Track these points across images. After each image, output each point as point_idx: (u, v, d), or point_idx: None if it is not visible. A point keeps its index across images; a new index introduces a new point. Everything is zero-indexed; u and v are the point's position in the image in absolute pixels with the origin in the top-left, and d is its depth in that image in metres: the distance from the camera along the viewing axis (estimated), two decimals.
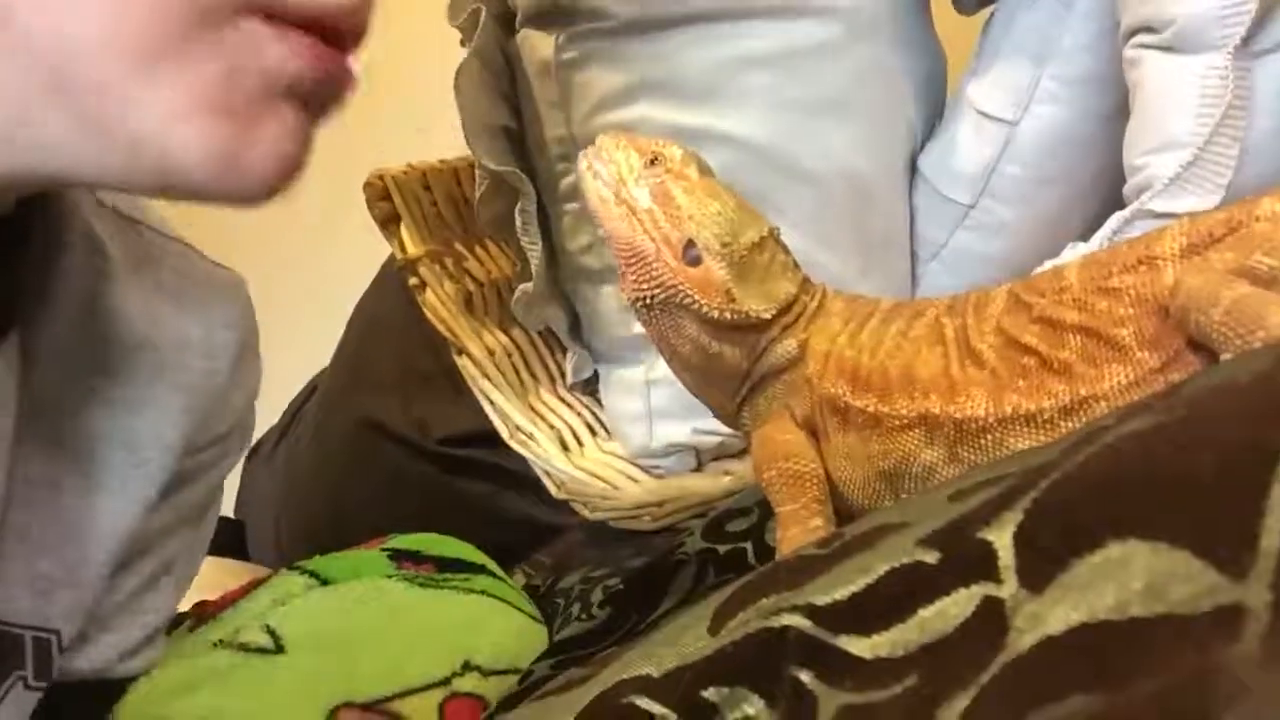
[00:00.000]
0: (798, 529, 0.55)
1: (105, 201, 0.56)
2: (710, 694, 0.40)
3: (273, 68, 0.39)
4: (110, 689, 0.60)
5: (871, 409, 0.54)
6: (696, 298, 0.55)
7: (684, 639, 0.43)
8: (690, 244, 0.55)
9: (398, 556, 0.81)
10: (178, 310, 0.58)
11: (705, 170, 0.58)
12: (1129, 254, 0.51)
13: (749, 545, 0.74)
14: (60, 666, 0.56)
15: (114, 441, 0.55)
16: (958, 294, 0.57)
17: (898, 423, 0.54)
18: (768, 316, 0.57)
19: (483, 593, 0.77)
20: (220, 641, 0.67)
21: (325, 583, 0.76)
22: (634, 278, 0.57)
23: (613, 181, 0.57)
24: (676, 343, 0.58)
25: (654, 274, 0.56)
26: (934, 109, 0.98)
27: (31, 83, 0.38)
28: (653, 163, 0.57)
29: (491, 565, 0.84)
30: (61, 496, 0.53)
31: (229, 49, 0.38)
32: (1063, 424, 0.50)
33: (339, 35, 0.41)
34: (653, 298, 0.56)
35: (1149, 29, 0.76)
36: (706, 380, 0.61)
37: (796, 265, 0.60)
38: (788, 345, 0.58)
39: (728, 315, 0.56)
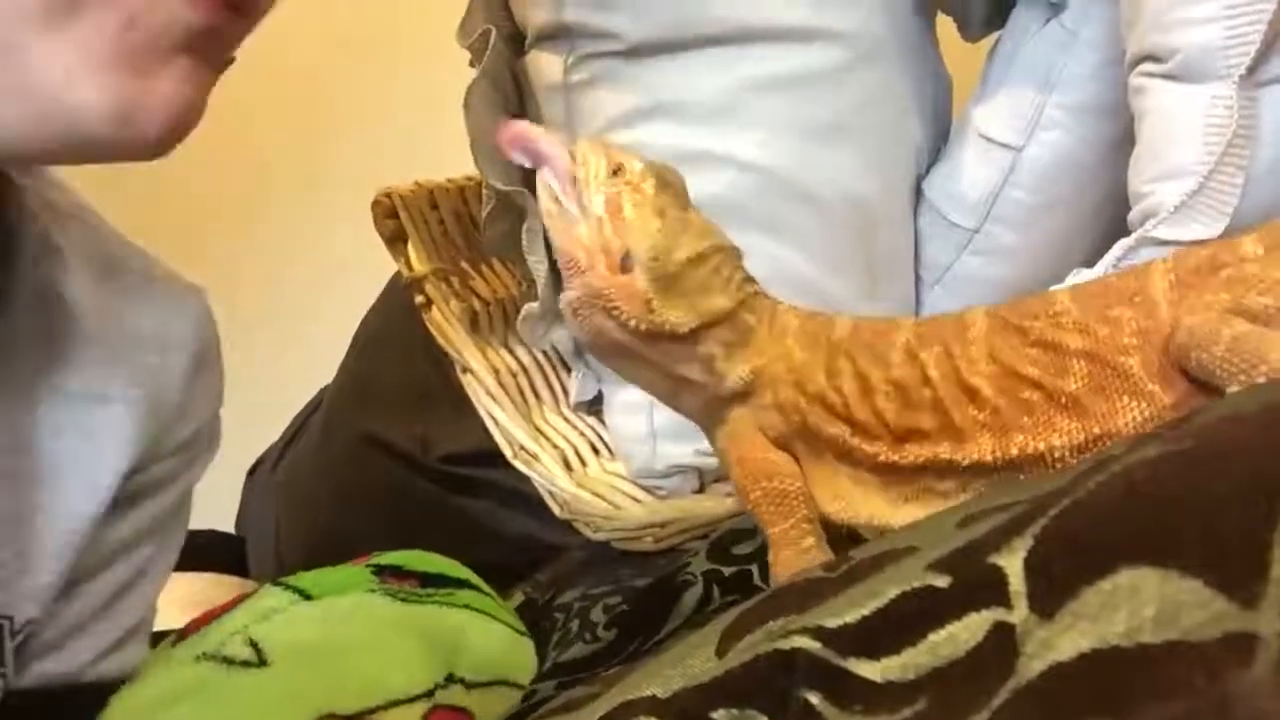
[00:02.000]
0: (790, 550, 0.55)
1: (56, 201, 0.57)
2: (718, 715, 0.40)
3: (169, 20, 0.40)
4: (90, 697, 0.60)
5: (884, 457, 0.54)
6: (618, 304, 0.56)
7: (691, 660, 0.43)
8: (626, 254, 0.56)
9: (381, 572, 0.81)
10: (132, 306, 0.59)
11: (666, 185, 0.59)
12: (1121, 286, 0.51)
13: (754, 567, 0.74)
14: (34, 670, 0.56)
15: (69, 432, 0.55)
16: (923, 318, 0.57)
17: (910, 467, 0.54)
18: (683, 330, 0.57)
19: (466, 607, 0.77)
20: (203, 655, 0.67)
21: (308, 597, 0.76)
22: (568, 279, 0.58)
23: (580, 184, 0.58)
24: (599, 346, 0.59)
25: (585, 279, 0.57)
26: (939, 134, 0.98)
27: None
28: (615, 173, 0.58)
29: (475, 580, 0.84)
30: (18, 486, 0.54)
31: (125, 3, 0.39)
32: (1074, 462, 0.49)
33: (241, 2, 0.41)
34: (580, 299, 0.57)
35: (1154, 58, 0.77)
36: (652, 383, 0.62)
37: (746, 282, 0.60)
38: (740, 370, 0.58)
39: (642, 325, 0.56)
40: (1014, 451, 0.51)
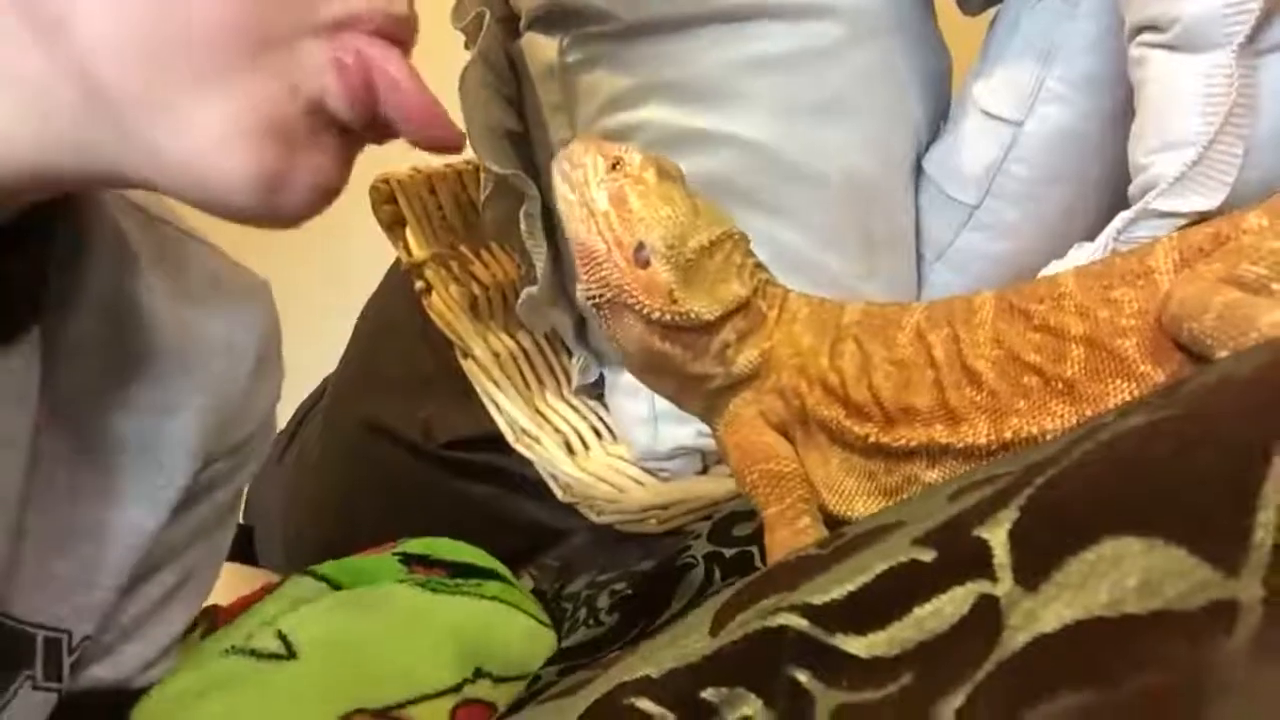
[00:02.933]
0: (786, 530, 0.55)
1: (133, 200, 0.56)
2: (709, 695, 0.40)
3: (321, 95, 0.39)
4: (126, 697, 0.61)
5: (874, 439, 0.54)
6: (640, 298, 0.56)
7: (685, 640, 0.43)
8: (641, 246, 0.56)
9: (409, 560, 0.81)
10: (202, 311, 0.58)
11: (666, 174, 0.59)
12: (1124, 266, 0.51)
13: (755, 549, 0.74)
14: (85, 675, 0.56)
15: (134, 444, 0.55)
16: (935, 301, 0.57)
17: (900, 450, 0.54)
18: (709, 318, 0.57)
19: (494, 598, 0.77)
20: (232, 648, 0.67)
21: (337, 587, 0.76)
22: (586, 278, 0.58)
23: (577, 184, 0.58)
24: (625, 342, 0.59)
25: (604, 274, 0.57)
26: (939, 109, 0.98)
27: (80, 90, 0.37)
28: (614, 167, 0.58)
29: (502, 570, 0.84)
30: (79, 499, 0.53)
31: (287, 73, 0.38)
32: None
33: (398, 42, 0.41)
34: (602, 297, 0.57)
35: (1153, 28, 0.76)
36: (660, 381, 0.62)
37: (758, 269, 0.60)
38: (749, 355, 0.58)
39: (669, 316, 0.56)
40: (1008, 435, 0.51)
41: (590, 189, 0.58)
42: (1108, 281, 0.51)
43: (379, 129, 0.42)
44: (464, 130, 0.44)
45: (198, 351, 0.57)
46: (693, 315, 0.56)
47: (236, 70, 0.37)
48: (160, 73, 0.37)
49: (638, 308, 0.56)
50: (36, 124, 0.38)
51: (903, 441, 0.54)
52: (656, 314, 0.56)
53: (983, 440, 0.51)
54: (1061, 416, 0.50)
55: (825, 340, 0.57)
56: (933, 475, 0.53)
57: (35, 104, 0.38)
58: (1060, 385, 0.50)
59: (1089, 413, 0.49)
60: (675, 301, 0.56)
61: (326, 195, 0.41)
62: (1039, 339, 0.51)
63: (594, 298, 0.58)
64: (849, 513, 0.56)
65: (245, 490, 0.65)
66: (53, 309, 0.50)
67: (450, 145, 0.43)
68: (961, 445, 0.52)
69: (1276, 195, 0.49)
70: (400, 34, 0.41)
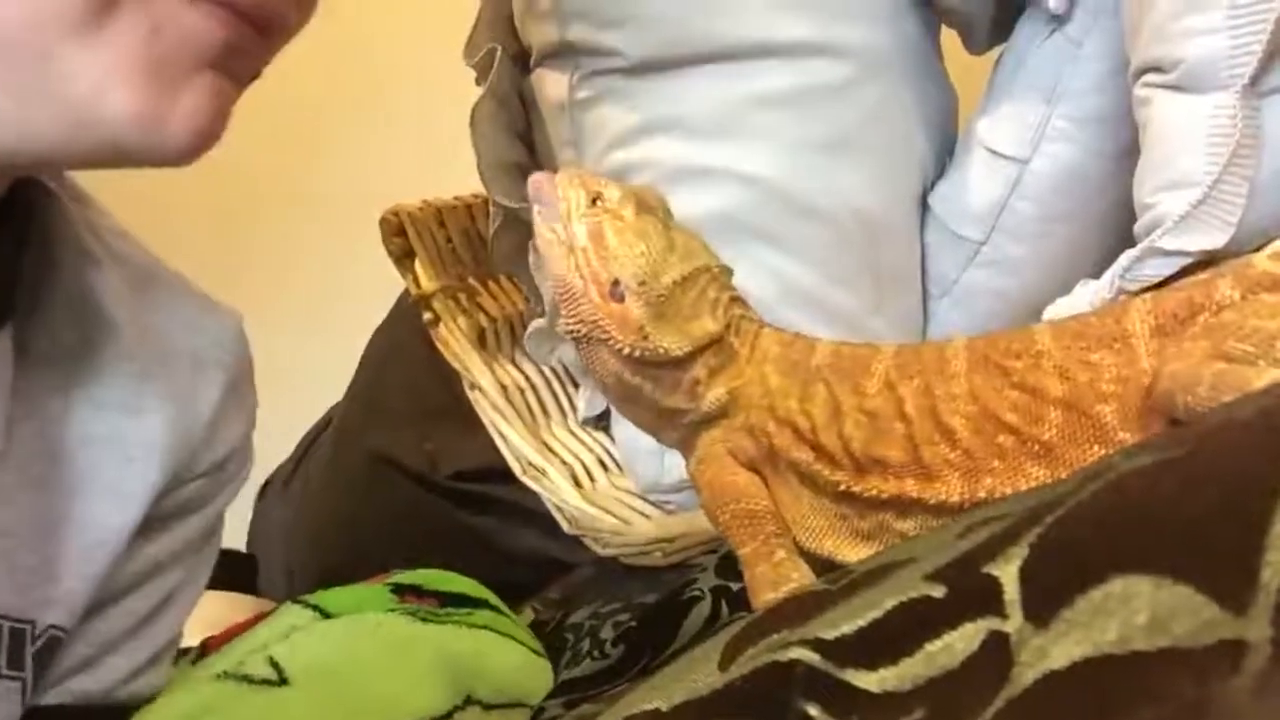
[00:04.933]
0: (764, 565, 0.56)
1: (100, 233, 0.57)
2: None
3: (192, 33, 0.42)
4: (120, 716, 0.61)
5: (844, 486, 0.55)
6: (613, 334, 0.57)
7: (694, 674, 0.43)
8: (616, 283, 0.57)
9: (400, 591, 0.81)
10: (165, 321, 0.59)
11: (646, 208, 0.59)
12: (1100, 328, 0.51)
13: None
14: (69, 687, 0.57)
15: (102, 440, 0.56)
16: (904, 346, 0.57)
17: (870, 500, 0.54)
18: (679, 354, 0.57)
19: (485, 627, 0.77)
20: (224, 673, 0.67)
21: (328, 616, 0.76)
22: (565, 312, 0.59)
23: (560, 218, 0.59)
24: (602, 376, 0.60)
25: (580, 310, 0.57)
26: (945, 147, 0.98)
27: None
28: (594, 202, 0.59)
29: (494, 600, 0.84)
30: (46, 494, 0.54)
31: (151, 15, 0.41)
32: None
33: (263, 22, 0.43)
34: (579, 331, 0.58)
35: (1158, 69, 0.77)
36: (636, 414, 0.62)
37: (734, 303, 0.60)
38: (718, 393, 0.59)
39: (639, 352, 0.57)
40: (981, 494, 0.51)
41: (572, 224, 0.58)
42: (1085, 343, 0.50)
43: (255, 22, 0.44)
44: None
45: (163, 360, 0.58)
46: (662, 350, 0.57)
47: (101, 17, 0.40)
48: (36, 23, 0.40)
49: (611, 343, 0.57)
50: None
51: (874, 492, 0.54)
52: (628, 349, 0.57)
53: (955, 498, 0.52)
54: (1037, 479, 0.50)
55: (795, 381, 0.58)
56: (904, 525, 0.54)
57: None
58: (1037, 447, 0.50)
59: (1063, 475, 0.49)
60: (646, 337, 0.57)
61: (208, 131, 0.43)
62: (1016, 398, 0.51)
63: (572, 332, 0.59)
64: (819, 550, 0.57)
65: (225, 511, 0.66)
66: (23, 307, 0.52)
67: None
68: (934, 501, 0.52)
69: (1243, 261, 0.49)
70: None
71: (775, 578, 0.55)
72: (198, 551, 0.64)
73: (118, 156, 0.43)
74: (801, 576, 0.55)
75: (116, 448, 0.56)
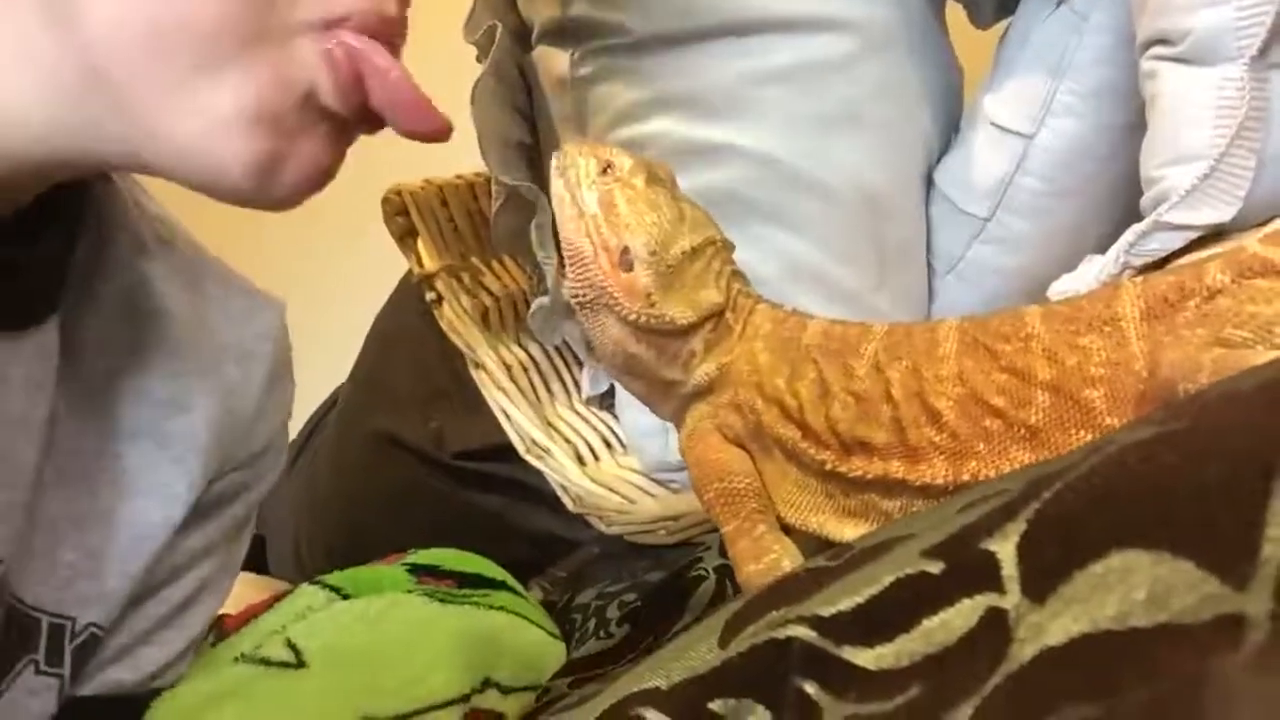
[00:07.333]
0: (745, 541, 0.57)
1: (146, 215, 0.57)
2: (717, 706, 0.40)
3: (313, 89, 0.42)
4: (138, 703, 0.61)
5: (830, 466, 0.55)
6: (620, 300, 0.57)
7: (694, 652, 0.43)
8: (625, 250, 0.57)
9: (418, 571, 0.81)
10: (215, 315, 0.59)
11: (656, 179, 0.60)
12: (1091, 311, 0.50)
13: None
14: (105, 677, 0.57)
15: (147, 436, 0.55)
16: (895, 327, 0.56)
17: (856, 480, 0.54)
18: (684, 323, 0.58)
19: (502, 609, 0.77)
20: (242, 656, 0.67)
21: (346, 597, 0.76)
22: (572, 276, 0.59)
23: (570, 184, 0.60)
24: (603, 342, 0.60)
25: (588, 275, 0.58)
26: (950, 122, 0.98)
27: (86, 74, 0.40)
28: (605, 170, 0.59)
29: (511, 581, 0.84)
30: (92, 489, 0.54)
31: (281, 65, 0.41)
32: None
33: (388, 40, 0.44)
34: (584, 296, 0.58)
35: (1165, 41, 0.76)
36: (633, 383, 0.63)
37: (735, 277, 0.61)
38: (708, 367, 0.59)
39: (644, 319, 0.57)
40: (965, 477, 0.51)
41: (581, 190, 0.59)
42: (1075, 326, 0.50)
43: (370, 120, 0.44)
44: (450, 123, 0.46)
45: (212, 353, 0.58)
46: (668, 319, 0.57)
47: (231, 62, 0.40)
48: (161, 61, 0.40)
49: (617, 309, 0.57)
50: (48, 105, 0.41)
51: (859, 472, 0.54)
52: (634, 316, 0.57)
53: (940, 480, 0.51)
54: (1021, 463, 0.49)
55: (784, 359, 0.58)
56: (890, 505, 0.54)
57: (46, 85, 0.40)
58: (1023, 431, 0.50)
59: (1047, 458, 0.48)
60: (653, 305, 0.57)
61: (316, 182, 0.44)
62: (1004, 380, 0.51)
63: (578, 296, 0.59)
64: (806, 526, 0.57)
65: (258, 504, 0.66)
66: (73, 298, 0.51)
67: (437, 134, 0.46)
68: (919, 483, 0.52)
69: (1235, 246, 0.49)
70: (389, 32, 0.44)
71: (757, 551, 0.56)
72: (231, 542, 0.64)
73: (221, 195, 0.43)
74: (783, 550, 0.56)
75: (163, 445, 0.56)
